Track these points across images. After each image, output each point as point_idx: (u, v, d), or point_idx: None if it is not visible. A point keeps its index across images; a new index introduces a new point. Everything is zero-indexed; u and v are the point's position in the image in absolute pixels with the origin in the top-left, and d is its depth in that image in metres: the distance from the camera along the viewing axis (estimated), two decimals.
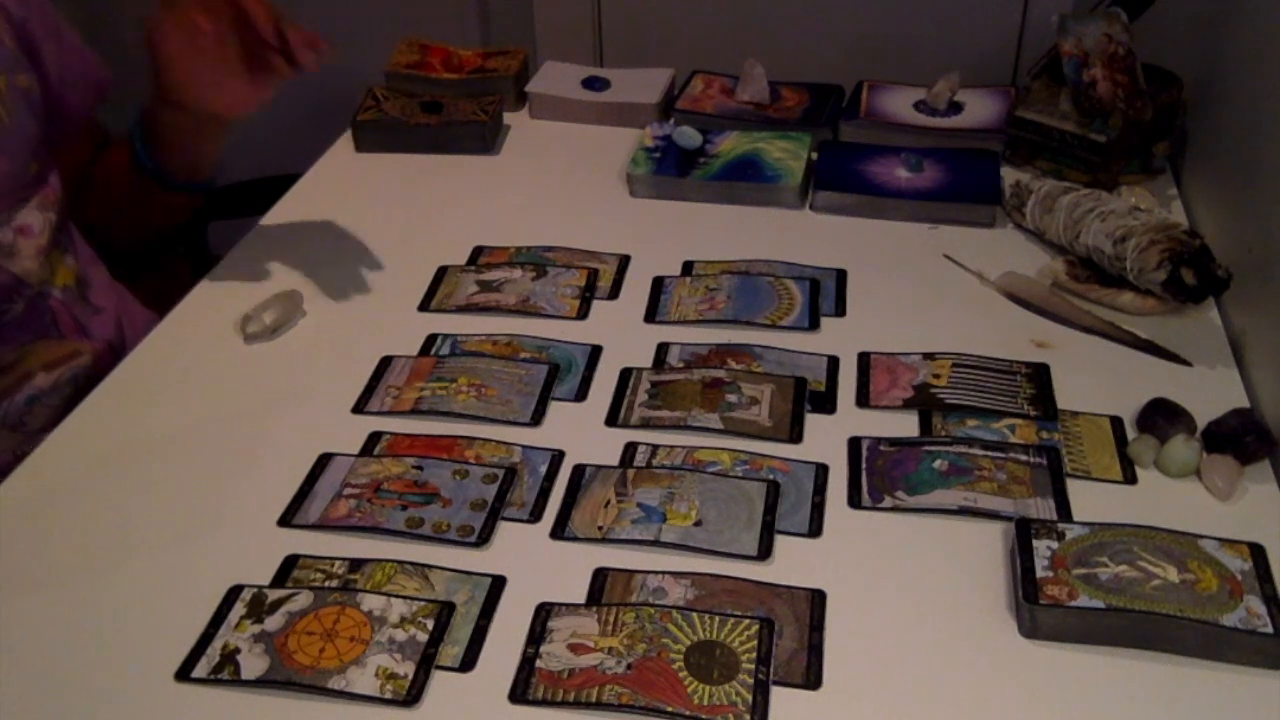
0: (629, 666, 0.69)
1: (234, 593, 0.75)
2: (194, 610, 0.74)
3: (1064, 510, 0.80)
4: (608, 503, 0.82)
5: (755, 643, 0.70)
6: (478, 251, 1.14)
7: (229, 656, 0.71)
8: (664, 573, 0.76)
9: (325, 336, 1.02)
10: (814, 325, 1.01)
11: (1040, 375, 0.93)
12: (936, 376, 0.93)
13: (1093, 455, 0.86)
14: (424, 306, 1.06)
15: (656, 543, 0.78)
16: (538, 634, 0.72)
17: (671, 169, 1.22)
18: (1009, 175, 1.19)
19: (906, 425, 0.90)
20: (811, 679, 0.69)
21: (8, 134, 0.99)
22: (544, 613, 0.73)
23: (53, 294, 1.05)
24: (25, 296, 1.02)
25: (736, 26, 1.95)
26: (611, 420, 0.91)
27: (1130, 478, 0.84)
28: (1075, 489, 0.82)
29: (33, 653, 0.72)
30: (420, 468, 0.85)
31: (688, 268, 1.10)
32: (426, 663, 0.70)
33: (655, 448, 0.87)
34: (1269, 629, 0.69)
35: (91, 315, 1.10)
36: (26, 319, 1.03)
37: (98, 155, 1.19)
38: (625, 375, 0.95)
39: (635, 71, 1.42)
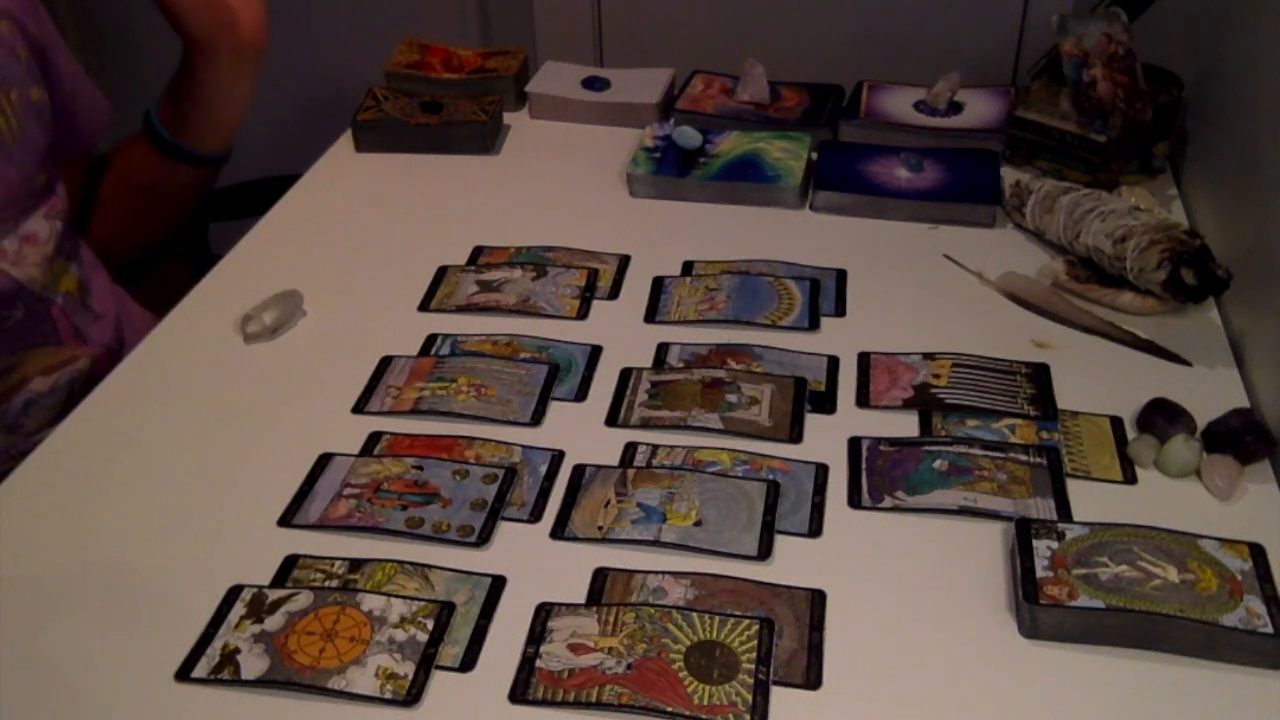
0: (629, 666, 0.69)
1: (234, 593, 0.75)
2: (194, 610, 0.74)
3: (1064, 510, 0.80)
4: (608, 503, 0.82)
5: (755, 643, 0.70)
6: (478, 251, 1.14)
7: (229, 656, 0.71)
8: (664, 573, 0.76)
9: (325, 336, 1.02)
10: (814, 325, 1.01)
11: (1040, 375, 0.93)
12: (936, 376, 0.93)
13: (1093, 455, 0.86)
14: (424, 306, 1.06)
15: (656, 543, 0.78)
16: (538, 634, 0.72)
17: (671, 169, 1.22)
18: (1009, 175, 1.19)
19: (906, 425, 0.90)
20: (811, 679, 0.69)
21: (16, 145, 0.99)
22: (544, 613, 0.73)
23: (55, 301, 1.06)
24: (26, 303, 1.02)
25: (736, 26, 1.94)
26: (611, 420, 0.91)
27: (1130, 478, 0.84)
28: (1075, 489, 0.82)
29: (33, 653, 0.72)
30: (420, 468, 0.85)
31: (688, 268, 1.10)
32: (426, 663, 0.70)
33: (655, 448, 0.87)
34: (1269, 629, 0.69)
35: (91, 321, 1.10)
36: (26, 325, 1.03)
37: (106, 164, 1.21)
38: (625, 375, 0.95)
39: (635, 71, 1.42)
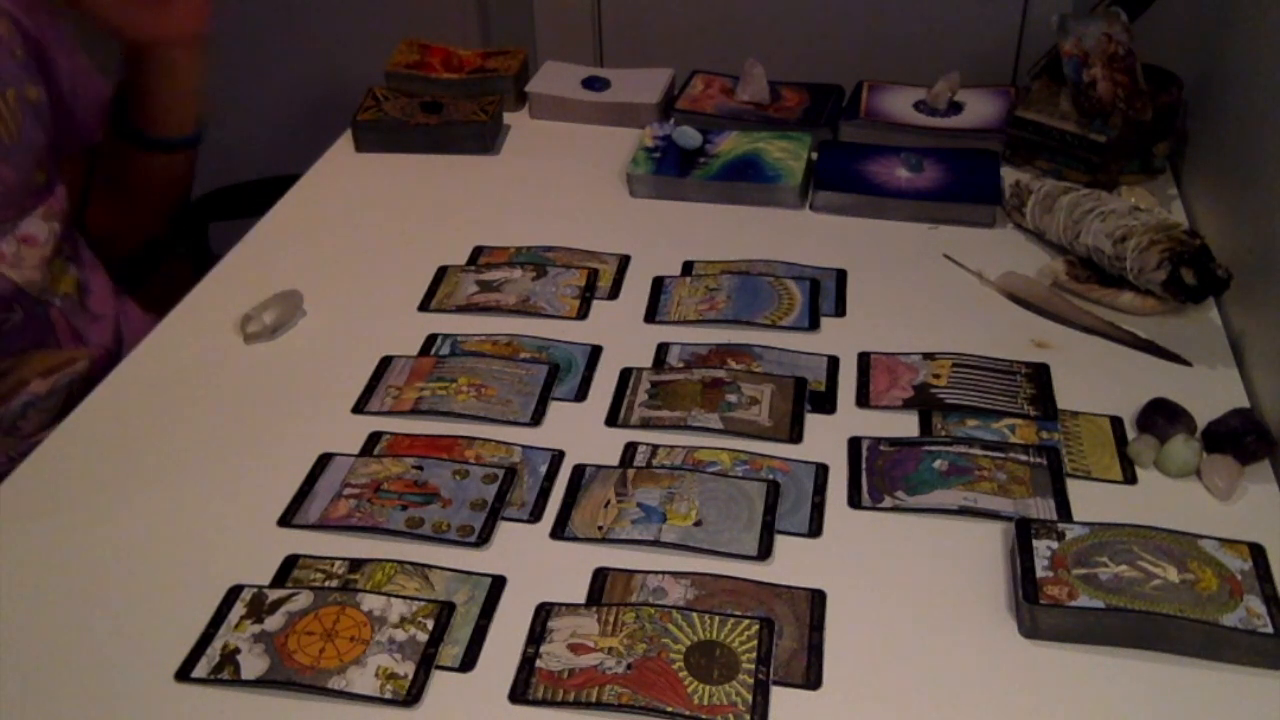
0: (629, 666, 0.69)
1: (234, 593, 0.75)
2: (194, 610, 0.74)
3: (1064, 510, 0.80)
4: (608, 503, 0.82)
5: (755, 643, 0.70)
6: (478, 251, 1.14)
7: (229, 656, 0.71)
8: (664, 573, 0.76)
9: (325, 336, 1.02)
10: (814, 325, 1.01)
11: (1040, 375, 0.93)
12: (936, 376, 0.93)
13: (1093, 455, 0.86)
14: (424, 306, 1.06)
15: (656, 543, 0.78)
16: (538, 634, 0.72)
17: (671, 169, 1.22)
18: (1009, 175, 1.19)
19: (906, 425, 0.89)
20: (811, 679, 0.69)
21: (14, 146, 0.99)
22: (544, 613, 0.73)
23: (53, 303, 1.05)
24: (24, 305, 1.02)
25: (736, 26, 1.95)
26: (611, 420, 0.91)
27: (1130, 478, 0.84)
28: (1075, 489, 0.82)
29: (33, 653, 0.72)
30: (420, 468, 0.85)
31: (688, 268, 1.10)
32: (426, 663, 0.70)
33: (655, 448, 0.87)
34: (1269, 629, 0.69)
35: (90, 323, 1.10)
36: (25, 327, 1.03)
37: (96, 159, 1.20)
38: (625, 375, 0.95)
39: (635, 71, 1.42)
